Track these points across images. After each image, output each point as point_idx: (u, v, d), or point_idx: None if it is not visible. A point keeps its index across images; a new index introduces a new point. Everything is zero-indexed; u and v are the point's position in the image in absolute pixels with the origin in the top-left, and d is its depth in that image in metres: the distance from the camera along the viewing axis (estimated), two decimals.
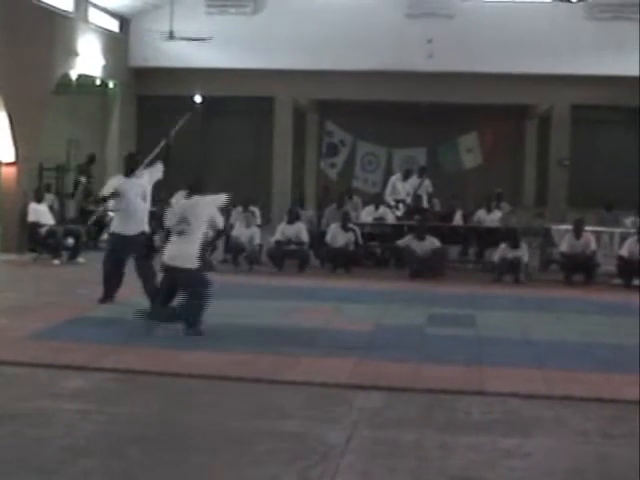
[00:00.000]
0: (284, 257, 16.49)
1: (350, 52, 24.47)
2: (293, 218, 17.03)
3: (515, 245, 15.77)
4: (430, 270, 15.92)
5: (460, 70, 24.65)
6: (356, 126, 28.63)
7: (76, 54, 22.12)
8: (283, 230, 16.79)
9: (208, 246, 13.68)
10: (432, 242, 16.13)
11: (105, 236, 15.90)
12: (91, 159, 22.79)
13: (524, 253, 15.79)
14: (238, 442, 6.22)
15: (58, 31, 21.14)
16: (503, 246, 15.88)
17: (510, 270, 15.72)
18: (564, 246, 16.13)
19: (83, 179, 21.61)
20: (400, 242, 16.46)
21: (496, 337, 10.36)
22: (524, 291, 14.69)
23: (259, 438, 6.29)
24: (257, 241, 16.73)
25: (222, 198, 10.30)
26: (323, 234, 17.17)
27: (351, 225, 16.98)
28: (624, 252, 15.80)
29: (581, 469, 5.89)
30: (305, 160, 29.42)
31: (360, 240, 16.78)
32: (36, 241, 17.83)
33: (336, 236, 16.62)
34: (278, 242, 16.59)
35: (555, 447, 6.32)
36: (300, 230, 16.77)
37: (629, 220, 19.06)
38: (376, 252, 17.87)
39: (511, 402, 7.40)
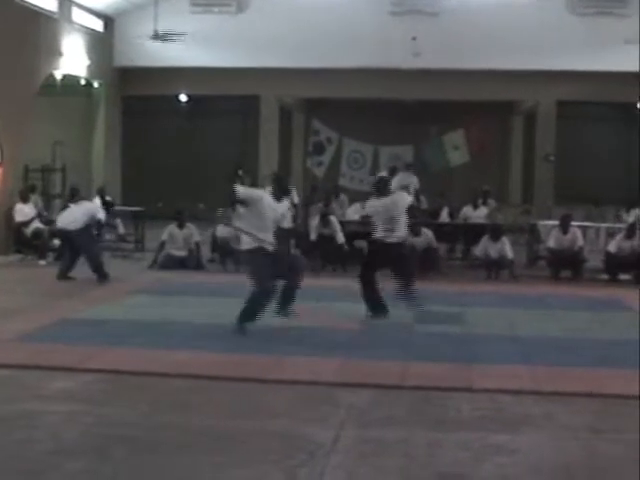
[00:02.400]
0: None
1: (335, 50, 24.46)
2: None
3: (496, 237, 15.76)
4: (425, 267, 15.76)
5: (445, 67, 24.65)
6: (342, 124, 28.63)
7: (60, 54, 22.04)
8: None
9: None
10: (427, 235, 16.04)
11: None
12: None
13: (507, 247, 15.75)
14: (226, 442, 6.21)
15: (42, 31, 21.05)
16: (485, 239, 15.90)
17: (495, 267, 15.74)
18: (551, 242, 16.12)
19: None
20: None
21: (484, 334, 10.36)
22: (511, 288, 14.70)
23: (247, 438, 6.28)
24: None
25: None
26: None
27: (331, 218, 16.77)
28: (612, 248, 15.81)
29: (569, 464, 5.90)
30: (291, 158, 29.43)
31: (341, 235, 16.47)
32: (22, 242, 17.77)
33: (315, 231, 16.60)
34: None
35: (543, 443, 6.33)
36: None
37: (631, 214, 19.01)
38: (363, 250, 17.80)
39: (499, 399, 7.40)
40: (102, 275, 14.51)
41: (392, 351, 9.18)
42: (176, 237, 16.40)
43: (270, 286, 9.96)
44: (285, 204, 11.24)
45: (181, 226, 16.43)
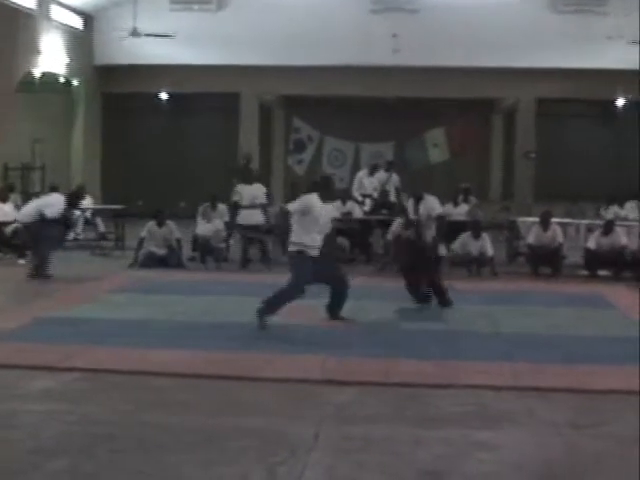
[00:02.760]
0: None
1: (315, 48, 24.49)
2: None
3: (477, 235, 15.79)
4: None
5: (426, 65, 24.71)
6: (323, 122, 28.65)
7: (39, 52, 21.95)
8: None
9: None
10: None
11: None
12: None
13: (487, 244, 15.78)
14: (209, 440, 6.18)
15: (21, 29, 20.96)
16: (464, 235, 15.93)
17: (476, 264, 15.76)
18: (531, 238, 16.16)
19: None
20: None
21: (466, 331, 10.38)
22: (492, 284, 14.73)
23: (230, 436, 6.26)
24: (223, 234, 16.76)
25: None
26: None
27: None
28: (591, 244, 15.87)
29: (551, 460, 5.91)
30: (272, 156, 29.40)
31: None
32: (1, 241, 17.65)
33: None
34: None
35: (525, 439, 6.34)
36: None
37: (610, 210, 19.08)
38: (344, 247, 17.80)
39: (481, 395, 7.41)
40: (43, 273, 14.33)
41: (377, 348, 9.17)
42: (155, 235, 16.34)
43: (303, 287, 10.18)
44: (333, 208, 11.41)
45: (160, 224, 16.36)
